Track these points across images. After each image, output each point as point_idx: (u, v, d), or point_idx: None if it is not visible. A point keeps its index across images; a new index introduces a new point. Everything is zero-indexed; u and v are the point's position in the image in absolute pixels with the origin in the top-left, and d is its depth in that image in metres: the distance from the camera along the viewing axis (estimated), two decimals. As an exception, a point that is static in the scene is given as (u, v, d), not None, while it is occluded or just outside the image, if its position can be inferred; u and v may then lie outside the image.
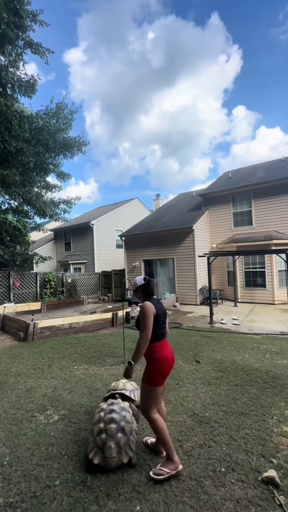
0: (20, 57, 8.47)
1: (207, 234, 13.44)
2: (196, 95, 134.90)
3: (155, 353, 2.30)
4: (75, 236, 19.80)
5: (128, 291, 12.17)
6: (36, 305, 11.29)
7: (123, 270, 14.64)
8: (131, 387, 3.10)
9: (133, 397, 2.96)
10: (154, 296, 2.55)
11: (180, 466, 2.24)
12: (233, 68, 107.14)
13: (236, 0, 64.97)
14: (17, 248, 11.64)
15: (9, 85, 9.17)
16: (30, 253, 12.98)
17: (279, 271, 11.01)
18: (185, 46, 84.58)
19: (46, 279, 13.52)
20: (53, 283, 13.64)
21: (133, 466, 2.33)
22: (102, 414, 2.48)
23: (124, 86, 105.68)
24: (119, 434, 2.32)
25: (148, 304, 2.34)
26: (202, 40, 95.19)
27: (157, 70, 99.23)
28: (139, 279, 2.52)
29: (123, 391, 2.94)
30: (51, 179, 35.09)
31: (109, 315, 8.20)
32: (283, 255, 8.30)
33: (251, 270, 11.63)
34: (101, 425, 2.39)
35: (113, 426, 2.35)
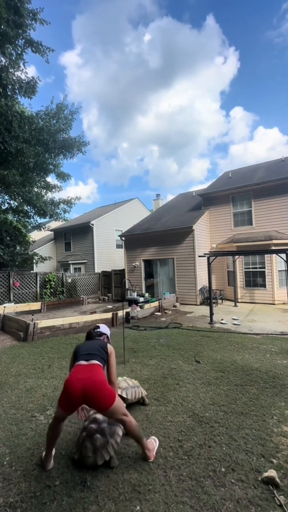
0: (21, 56, 8.47)
1: (207, 234, 13.44)
2: (194, 96, 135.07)
3: None
4: (75, 236, 19.80)
5: (128, 291, 12.17)
6: (36, 305, 11.28)
7: (123, 270, 14.64)
8: (125, 385, 3.13)
9: (124, 395, 2.97)
10: (100, 334, 2.85)
11: None
12: (230, 70, 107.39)
13: (230, 3, 65.43)
14: (17, 248, 11.65)
15: (9, 86, 9.17)
16: (30, 253, 12.99)
17: (279, 271, 11.01)
18: (181, 48, 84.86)
19: (46, 279, 13.52)
20: (53, 283, 13.63)
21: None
22: (92, 412, 2.58)
23: (121, 87, 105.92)
24: (97, 435, 2.36)
25: None
26: (198, 42, 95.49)
27: (154, 72, 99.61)
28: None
29: None
30: (51, 179, 35.12)
31: (109, 315, 8.20)
32: (283, 255, 8.30)
33: (251, 270, 11.63)
34: (86, 423, 2.51)
35: (93, 426, 2.43)
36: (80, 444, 2.38)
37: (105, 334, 2.89)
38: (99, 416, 2.45)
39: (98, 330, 2.84)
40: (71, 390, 2.10)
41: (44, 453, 2.38)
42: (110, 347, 2.63)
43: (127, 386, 3.13)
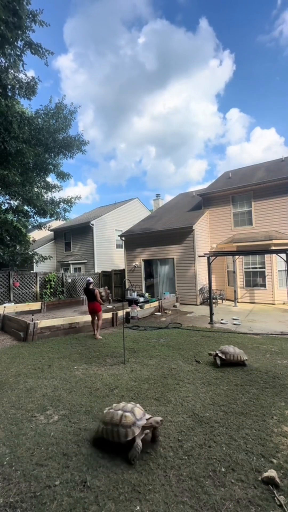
0: (20, 58, 8.45)
1: (207, 234, 13.44)
2: (190, 98, 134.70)
3: None
4: (75, 236, 19.80)
5: (128, 291, 12.17)
6: (36, 305, 11.29)
7: (123, 270, 14.64)
8: (131, 419, 2.48)
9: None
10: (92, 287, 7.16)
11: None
12: (226, 72, 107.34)
13: (225, 7, 66.04)
14: (17, 248, 11.64)
15: (9, 87, 9.17)
16: (30, 253, 12.98)
17: (279, 271, 11.01)
18: (177, 50, 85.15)
19: (46, 279, 13.52)
20: (53, 283, 13.63)
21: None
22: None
23: (116, 89, 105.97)
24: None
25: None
26: (194, 45, 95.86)
27: (149, 74, 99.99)
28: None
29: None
30: (51, 179, 35.14)
31: (109, 315, 8.19)
32: (283, 255, 8.30)
33: (251, 270, 11.63)
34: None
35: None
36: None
37: (91, 282, 7.19)
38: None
39: (89, 282, 7.16)
40: (88, 309, 7.12)
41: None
42: (96, 291, 6.95)
43: (134, 419, 2.51)
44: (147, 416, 2.63)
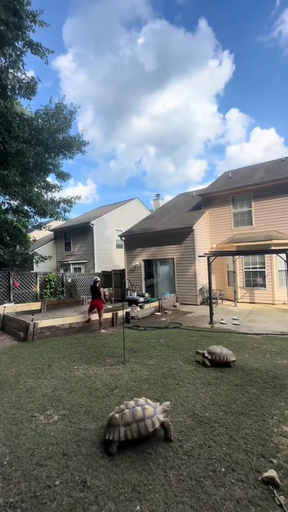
0: (20, 58, 8.45)
1: (207, 234, 13.44)
2: (189, 98, 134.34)
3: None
4: (75, 236, 19.80)
5: (128, 291, 12.17)
6: (36, 305, 11.29)
7: (123, 270, 14.64)
8: (152, 410, 2.65)
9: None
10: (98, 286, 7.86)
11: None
12: (225, 72, 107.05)
13: (224, 7, 65.94)
14: (17, 248, 11.64)
15: (9, 87, 9.17)
16: (30, 253, 12.98)
17: (279, 271, 11.01)
18: (176, 51, 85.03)
19: (46, 279, 13.52)
20: (53, 283, 13.63)
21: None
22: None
23: (115, 89, 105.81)
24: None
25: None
26: (193, 45, 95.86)
27: (149, 75, 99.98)
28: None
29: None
30: (51, 179, 35.16)
31: (109, 315, 8.20)
32: (283, 255, 8.30)
33: (251, 270, 11.63)
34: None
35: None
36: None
37: (99, 281, 7.85)
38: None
39: (96, 281, 7.80)
40: (91, 304, 7.72)
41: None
42: (101, 290, 7.73)
43: (151, 414, 2.62)
44: (158, 403, 2.86)
